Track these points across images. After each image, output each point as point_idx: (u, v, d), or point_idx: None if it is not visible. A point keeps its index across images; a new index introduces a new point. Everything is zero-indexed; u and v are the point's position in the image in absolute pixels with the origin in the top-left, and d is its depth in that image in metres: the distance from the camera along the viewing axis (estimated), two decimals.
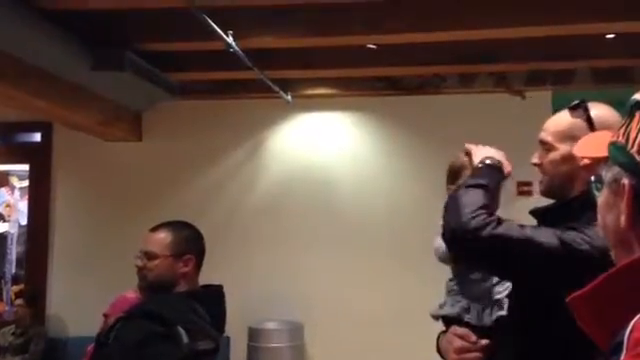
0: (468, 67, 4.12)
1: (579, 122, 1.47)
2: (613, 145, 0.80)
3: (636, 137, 0.76)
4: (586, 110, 1.47)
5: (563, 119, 1.51)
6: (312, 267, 4.60)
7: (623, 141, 0.78)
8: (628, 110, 0.81)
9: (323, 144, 4.73)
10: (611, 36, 3.52)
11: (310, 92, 4.57)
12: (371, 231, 4.56)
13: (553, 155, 1.50)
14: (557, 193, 1.51)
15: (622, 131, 0.80)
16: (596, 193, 0.85)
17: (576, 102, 1.51)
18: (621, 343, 0.67)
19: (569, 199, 1.47)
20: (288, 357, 4.31)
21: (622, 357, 0.66)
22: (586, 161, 1.42)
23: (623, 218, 0.77)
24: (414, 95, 4.52)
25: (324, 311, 4.53)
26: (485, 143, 1.69)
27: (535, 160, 1.55)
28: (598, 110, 1.49)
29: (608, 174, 0.81)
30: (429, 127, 4.51)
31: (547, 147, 1.51)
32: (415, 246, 4.32)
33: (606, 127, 1.43)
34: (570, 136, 1.47)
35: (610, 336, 0.71)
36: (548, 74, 4.27)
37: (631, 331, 0.67)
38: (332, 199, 4.65)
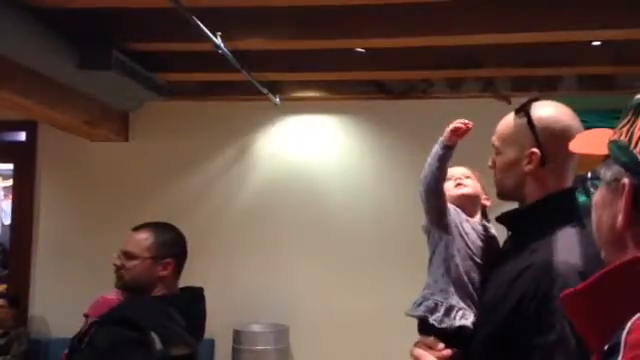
0: (455, 72, 4.14)
1: (521, 126, 1.41)
2: (614, 143, 0.79)
3: None
4: (528, 113, 1.41)
5: (509, 123, 1.46)
6: (298, 270, 4.60)
7: (626, 140, 0.77)
8: (632, 110, 0.79)
9: (310, 147, 4.73)
10: (597, 43, 3.55)
11: (298, 95, 4.57)
12: (357, 234, 4.56)
13: (501, 159, 1.46)
14: (510, 196, 1.48)
15: (625, 130, 0.78)
16: (592, 190, 0.84)
17: (524, 103, 1.45)
18: (618, 344, 0.67)
19: (532, 204, 1.42)
20: None
21: (619, 358, 0.66)
22: (530, 167, 1.40)
23: (621, 217, 0.76)
24: (401, 99, 4.53)
25: (310, 314, 4.52)
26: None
27: (489, 163, 1.53)
28: (542, 111, 1.41)
29: (608, 172, 0.80)
30: (416, 131, 4.51)
31: (496, 151, 1.49)
32: (401, 249, 4.34)
33: (548, 129, 1.39)
34: (513, 140, 1.43)
35: (601, 334, 0.71)
36: (534, 80, 4.30)
37: (628, 332, 0.67)
38: (319, 202, 4.65)
